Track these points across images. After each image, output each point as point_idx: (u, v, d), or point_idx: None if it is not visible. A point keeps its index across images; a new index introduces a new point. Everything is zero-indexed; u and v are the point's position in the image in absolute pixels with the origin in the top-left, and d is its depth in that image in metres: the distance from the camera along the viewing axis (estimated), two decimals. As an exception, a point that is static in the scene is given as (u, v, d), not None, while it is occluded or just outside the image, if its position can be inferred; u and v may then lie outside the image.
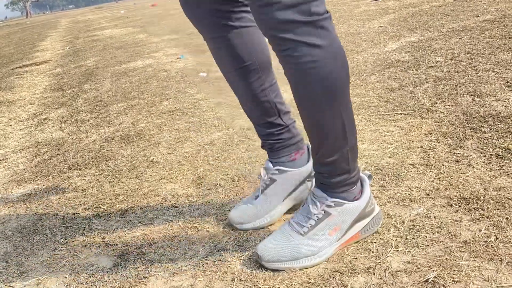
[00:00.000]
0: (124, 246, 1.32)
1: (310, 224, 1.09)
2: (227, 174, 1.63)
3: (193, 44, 4.93)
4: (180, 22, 7.34)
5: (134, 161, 1.92)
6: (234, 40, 1.16)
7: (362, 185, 1.11)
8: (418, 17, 3.98)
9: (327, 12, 0.95)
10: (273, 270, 1.08)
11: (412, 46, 2.98)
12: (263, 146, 1.29)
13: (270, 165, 1.27)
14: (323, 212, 1.08)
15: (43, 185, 1.86)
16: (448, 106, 1.85)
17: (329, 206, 1.08)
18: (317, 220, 1.09)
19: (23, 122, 2.94)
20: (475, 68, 2.26)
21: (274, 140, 1.25)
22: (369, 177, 1.14)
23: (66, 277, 1.22)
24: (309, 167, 1.27)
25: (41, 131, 2.64)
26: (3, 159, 2.28)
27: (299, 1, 0.90)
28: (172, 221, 1.40)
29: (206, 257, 1.19)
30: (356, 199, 1.10)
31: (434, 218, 1.16)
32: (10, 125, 2.91)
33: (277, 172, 1.26)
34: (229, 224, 1.31)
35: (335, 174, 1.06)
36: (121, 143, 2.19)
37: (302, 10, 0.91)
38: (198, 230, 1.32)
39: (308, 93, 0.97)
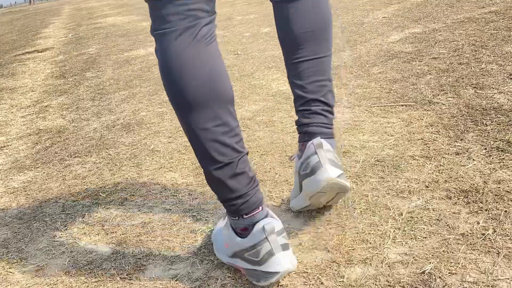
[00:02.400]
0: (123, 234, 1.32)
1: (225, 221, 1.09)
2: (227, 164, 1.63)
3: (196, 32, 4.91)
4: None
5: (135, 150, 1.92)
6: None
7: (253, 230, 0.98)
8: (422, 8, 3.95)
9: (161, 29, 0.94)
10: (271, 260, 1.08)
11: (416, 37, 2.95)
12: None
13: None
14: (226, 220, 1.07)
15: (44, 173, 1.87)
16: (450, 98, 1.84)
17: (227, 221, 1.06)
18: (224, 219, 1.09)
19: (24, 109, 2.94)
20: (479, 60, 2.24)
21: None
22: (263, 229, 0.95)
23: (65, 264, 1.23)
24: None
25: (43, 119, 2.64)
26: (4, 146, 2.28)
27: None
28: (171, 209, 1.40)
29: (205, 246, 1.19)
30: (239, 233, 1.02)
31: (433, 210, 1.16)
32: (12, 112, 2.91)
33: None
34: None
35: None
36: (121, 131, 2.19)
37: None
38: (197, 219, 1.32)
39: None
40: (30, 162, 2.01)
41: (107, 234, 1.34)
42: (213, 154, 0.95)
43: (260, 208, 1.00)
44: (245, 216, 1.00)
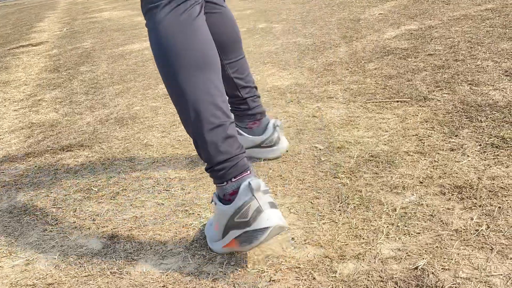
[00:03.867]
0: (114, 228, 1.31)
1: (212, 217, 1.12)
2: (221, 159, 1.62)
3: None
4: (179, 6, 7.28)
5: (128, 144, 1.91)
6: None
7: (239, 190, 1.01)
8: (419, 5, 3.94)
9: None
10: (263, 255, 1.07)
11: (411, 34, 2.95)
12: (230, 111, 1.44)
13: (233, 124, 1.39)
14: (214, 203, 1.07)
15: (35, 166, 1.85)
16: (445, 95, 1.83)
17: (213, 199, 1.07)
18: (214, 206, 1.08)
19: (17, 102, 2.92)
20: (474, 57, 2.24)
21: (234, 108, 1.52)
22: (249, 186, 0.98)
23: (55, 258, 1.21)
24: (261, 138, 1.51)
25: (35, 112, 2.61)
26: (-4, 140, 2.26)
27: None
28: (163, 204, 1.39)
29: (196, 240, 1.18)
30: (228, 200, 1.03)
31: (427, 206, 1.15)
32: (4, 106, 2.89)
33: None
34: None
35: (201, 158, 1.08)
36: (115, 125, 2.17)
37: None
38: (189, 214, 1.31)
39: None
40: (22, 155, 1.99)
41: (98, 228, 1.32)
42: (208, 116, 1.01)
43: (248, 171, 1.04)
44: (233, 180, 1.03)
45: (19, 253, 1.27)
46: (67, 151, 1.95)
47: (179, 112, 1.05)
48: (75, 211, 1.44)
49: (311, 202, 1.25)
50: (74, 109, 2.55)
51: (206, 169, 1.07)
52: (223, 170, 1.03)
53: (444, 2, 3.88)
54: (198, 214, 1.30)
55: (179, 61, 1.01)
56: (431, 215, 1.11)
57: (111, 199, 1.48)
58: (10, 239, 1.34)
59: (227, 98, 1.48)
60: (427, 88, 1.94)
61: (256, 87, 1.52)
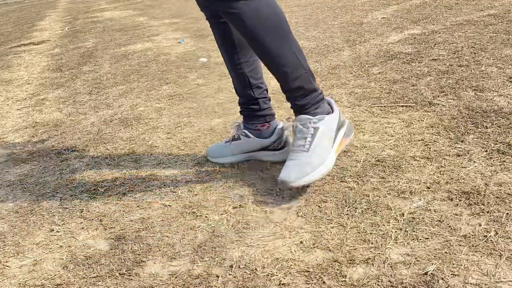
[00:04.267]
0: (122, 229, 1.31)
1: (308, 142, 1.32)
2: (227, 161, 1.62)
3: (194, 28, 4.88)
4: (181, 7, 7.27)
5: (133, 145, 1.91)
6: (223, 24, 1.47)
7: (330, 103, 1.40)
8: (421, 9, 3.96)
9: None
10: (272, 258, 1.08)
11: (415, 38, 2.96)
12: (240, 112, 1.59)
13: (242, 126, 1.59)
14: (313, 129, 1.32)
15: (40, 166, 1.85)
16: (450, 100, 1.84)
17: (315, 122, 1.33)
18: (311, 136, 1.32)
19: (20, 102, 2.92)
20: (478, 62, 2.25)
21: (245, 108, 1.56)
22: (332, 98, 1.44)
23: (63, 259, 1.22)
24: (268, 141, 1.54)
25: (39, 112, 2.62)
26: (0, 138, 2.26)
27: None
28: (170, 206, 1.39)
29: (205, 243, 1.18)
30: (330, 113, 1.37)
31: (434, 211, 1.15)
32: (7, 105, 2.89)
33: (243, 134, 1.56)
34: (227, 211, 1.31)
35: (306, 94, 1.34)
36: (119, 126, 2.17)
37: None
38: (197, 216, 1.31)
39: (256, 35, 1.27)
40: (26, 155, 1.99)
41: (106, 229, 1.33)
42: (303, 62, 1.32)
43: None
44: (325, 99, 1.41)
45: (26, 253, 1.27)
46: (72, 151, 1.95)
47: (286, 65, 1.30)
48: (82, 211, 1.45)
49: (318, 206, 1.26)
50: (78, 109, 2.55)
51: (315, 98, 1.35)
52: (322, 93, 1.38)
53: (446, 7, 3.89)
54: (206, 217, 1.30)
55: (287, 25, 1.30)
56: (439, 221, 1.11)
57: (117, 200, 1.48)
58: (17, 239, 1.34)
59: (239, 98, 1.57)
60: (432, 93, 1.95)
61: (267, 90, 1.56)
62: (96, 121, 2.30)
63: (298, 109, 1.36)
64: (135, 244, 1.23)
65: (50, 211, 1.48)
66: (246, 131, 1.55)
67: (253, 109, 1.53)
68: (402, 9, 4.12)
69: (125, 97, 2.64)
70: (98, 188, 1.58)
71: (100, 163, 1.79)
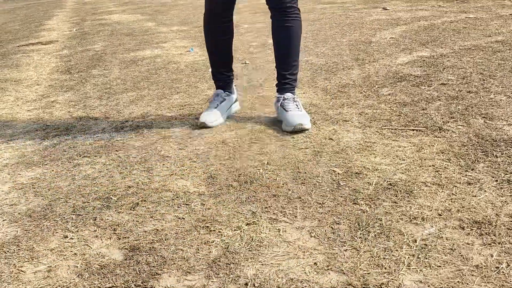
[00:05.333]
0: (136, 240, 1.33)
1: (300, 108, 2.09)
2: (239, 176, 1.64)
3: (203, 38, 4.92)
4: (189, 14, 7.33)
5: (145, 154, 1.93)
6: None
7: None
8: (429, 31, 4.01)
9: None
10: (286, 278, 1.10)
11: (424, 61, 3.00)
12: (220, 84, 2.28)
13: (222, 91, 2.27)
14: (298, 101, 2.13)
15: (52, 170, 1.87)
16: (460, 126, 1.87)
17: (295, 98, 2.13)
18: (300, 105, 2.11)
19: (30, 103, 2.94)
20: (487, 89, 2.28)
21: (230, 79, 2.30)
22: None
23: (77, 267, 1.23)
24: (235, 96, 2.34)
25: (49, 114, 2.64)
26: (11, 139, 2.28)
27: None
28: (184, 218, 1.41)
29: (219, 258, 1.20)
30: None
31: (446, 239, 1.18)
32: (17, 105, 2.91)
33: (226, 95, 2.26)
34: (240, 227, 1.33)
35: (296, 79, 2.16)
36: (131, 133, 2.19)
37: None
38: (210, 230, 1.33)
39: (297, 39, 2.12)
40: (38, 158, 2.01)
41: (119, 239, 1.34)
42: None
43: None
44: None
45: (40, 259, 1.28)
46: (84, 157, 1.97)
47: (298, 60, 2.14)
48: (95, 219, 1.46)
49: (331, 227, 1.28)
50: (89, 113, 2.57)
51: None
52: None
53: (454, 31, 3.95)
54: (219, 232, 1.32)
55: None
56: (451, 249, 1.14)
57: (130, 209, 1.50)
58: (31, 244, 1.36)
59: (219, 74, 2.32)
60: (442, 118, 1.98)
61: None
62: (107, 127, 2.32)
63: (291, 89, 2.13)
64: (149, 256, 1.24)
65: (64, 217, 1.49)
66: (228, 93, 2.27)
67: (232, 77, 2.30)
68: (410, 30, 4.17)
69: (135, 104, 2.66)
70: (111, 196, 1.60)
71: (112, 170, 1.81)
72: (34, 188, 1.73)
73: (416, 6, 5.88)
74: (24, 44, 5.64)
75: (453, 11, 5.21)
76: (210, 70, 3.73)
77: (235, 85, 2.37)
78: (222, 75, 2.27)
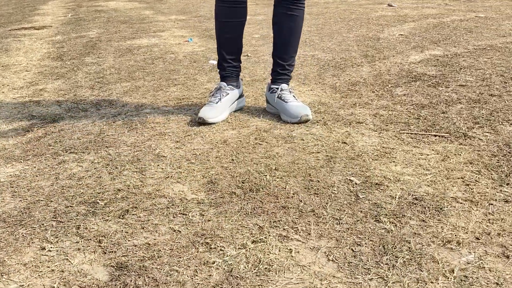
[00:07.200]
0: (124, 255, 1.15)
1: (297, 99, 2.01)
2: (243, 182, 1.46)
3: (202, 28, 4.71)
4: (188, 3, 7.10)
5: (138, 152, 1.74)
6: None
7: None
8: (440, 30, 3.83)
9: None
10: (302, 313, 0.92)
11: (438, 60, 2.82)
12: (224, 74, 2.08)
13: (225, 84, 2.06)
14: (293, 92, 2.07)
15: (34, 167, 1.68)
16: (487, 134, 1.70)
17: (291, 89, 2.05)
18: (296, 96, 2.03)
19: (17, 90, 2.73)
20: (511, 93, 2.11)
21: (237, 70, 2.09)
22: None
23: (53, 286, 1.05)
24: (240, 91, 2.12)
25: (36, 103, 2.44)
26: (-9, 130, 2.08)
27: None
28: (180, 231, 1.23)
29: (221, 284, 1.02)
30: None
31: (489, 270, 1.00)
32: (3, 92, 2.70)
33: (230, 89, 2.05)
34: (245, 245, 1.15)
35: (292, 70, 2.09)
36: (123, 128, 2.00)
37: None
38: (211, 248, 1.15)
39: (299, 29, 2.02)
40: (19, 152, 1.82)
41: (105, 253, 1.16)
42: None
43: None
44: None
45: (11, 275, 1.10)
46: (70, 152, 1.78)
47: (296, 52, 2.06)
48: (79, 228, 1.28)
49: (352, 250, 1.10)
50: (79, 104, 2.38)
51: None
52: None
53: (466, 30, 3.77)
54: (221, 250, 1.14)
55: None
56: (497, 283, 0.96)
57: (119, 217, 1.32)
58: (2, 256, 1.17)
59: (228, 64, 2.10)
60: (465, 123, 1.81)
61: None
62: (97, 120, 2.13)
63: (287, 81, 2.05)
64: (139, 277, 1.06)
65: (42, 224, 1.31)
66: (232, 87, 2.05)
67: (239, 70, 2.10)
68: (419, 27, 3.99)
69: (129, 95, 2.47)
70: (97, 200, 1.42)
71: (100, 170, 1.62)
72: (12, 187, 1.54)
73: (422, 3, 5.70)
74: (16, 28, 5.41)
75: (461, 9, 5.04)
76: (210, 61, 3.55)
77: (241, 79, 2.16)
78: (229, 64, 2.06)
